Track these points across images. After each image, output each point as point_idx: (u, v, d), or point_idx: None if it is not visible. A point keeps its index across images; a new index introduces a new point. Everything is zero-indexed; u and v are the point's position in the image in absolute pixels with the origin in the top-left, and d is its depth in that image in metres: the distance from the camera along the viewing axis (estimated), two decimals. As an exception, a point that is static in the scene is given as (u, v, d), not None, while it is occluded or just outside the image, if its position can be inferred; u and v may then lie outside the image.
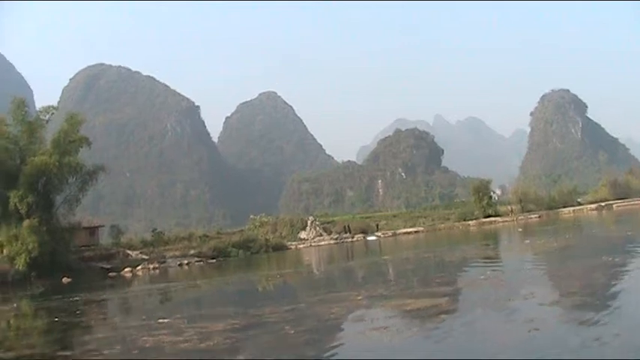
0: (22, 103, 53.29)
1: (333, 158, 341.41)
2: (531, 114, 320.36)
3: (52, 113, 54.61)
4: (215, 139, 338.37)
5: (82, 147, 54.17)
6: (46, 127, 53.70)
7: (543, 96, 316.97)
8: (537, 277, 18.40)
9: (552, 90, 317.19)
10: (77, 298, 29.75)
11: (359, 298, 16.63)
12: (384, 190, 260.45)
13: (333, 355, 10.15)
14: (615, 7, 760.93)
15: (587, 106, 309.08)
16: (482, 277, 18.81)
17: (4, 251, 46.78)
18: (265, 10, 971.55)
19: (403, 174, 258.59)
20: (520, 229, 54.49)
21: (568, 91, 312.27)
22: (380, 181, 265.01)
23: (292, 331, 12.48)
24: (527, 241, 34.95)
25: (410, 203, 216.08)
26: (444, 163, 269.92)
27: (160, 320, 16.01)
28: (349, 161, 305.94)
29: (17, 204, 47.16)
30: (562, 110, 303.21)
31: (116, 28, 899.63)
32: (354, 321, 13.48)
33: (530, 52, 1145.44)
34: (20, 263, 45.62)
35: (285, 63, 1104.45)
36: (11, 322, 22.96)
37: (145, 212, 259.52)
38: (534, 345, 9.04)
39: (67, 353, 12.89)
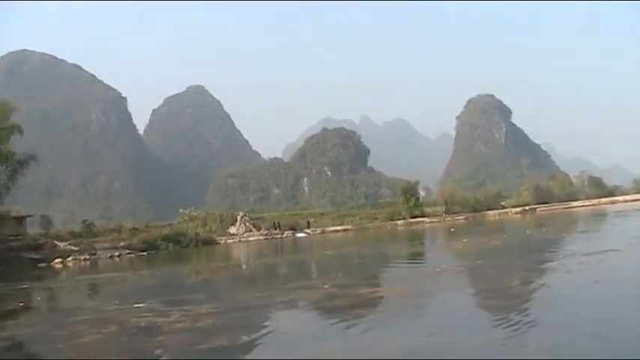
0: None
1: (259, 154, 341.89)
2: (457, 117, 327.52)
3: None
4: (141, 132, 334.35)
5: (13, 135, 53.53)
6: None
7: (469, 100, 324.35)
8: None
9: (478, 95, 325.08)
10: (24, 286, 29.80)
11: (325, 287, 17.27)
12: (309, 188, 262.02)
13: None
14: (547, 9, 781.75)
15: (511, 112, 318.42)
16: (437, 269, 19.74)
17: None
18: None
19: (329, 172, 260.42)
20: (452, 229, 56.08)
21: (493, 96, 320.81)
22: (306, 179, 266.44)
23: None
24: (465, 240, 36.31)
25: (335, 202, 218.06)
26: (370, 163, 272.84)
27: (136, 305, 16.43)
28: (275, 158, 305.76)
29: (-55, 191, 46.45)
30: (487, 115, 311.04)
31: (41, 14, 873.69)
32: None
33: (455, 54, 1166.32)
34: (-54, 251, 45.06)
35: (211, 54, 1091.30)
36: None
37: (67, 203, 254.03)
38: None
39: (64, 332, 13.12)
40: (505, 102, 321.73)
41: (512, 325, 8.90)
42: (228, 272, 31.19)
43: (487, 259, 22.24)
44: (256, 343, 9.72)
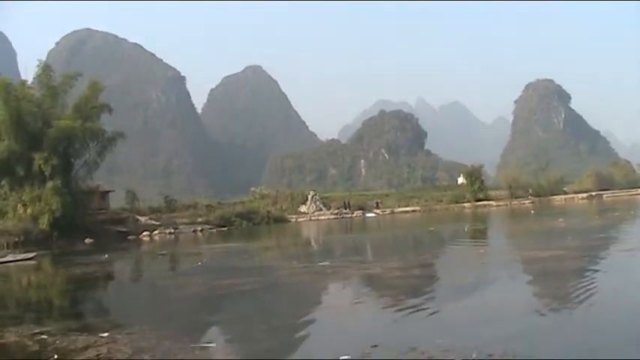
0: (48, 68, 54.70)
1: (316, 135, 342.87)
2: (515, 102, 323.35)
3: (77, 79, 55.80)
4: (199, 111, 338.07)
5: (103, 113, 55.64)
6: (68, 92, 54.79)
7: (528, 85, 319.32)
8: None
9: (537, 79, 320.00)
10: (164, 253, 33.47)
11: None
12: (366, 170, 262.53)
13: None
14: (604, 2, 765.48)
15: (570, 97, 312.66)
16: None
17: (28, 210, 48.19)
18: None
19: (386, 155, 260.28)
20: (532, 212, 56.66)
21: (552, 81, 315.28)
22: (363, 160, 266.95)
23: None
24: (561, 220, 37.29)
25: (392, 184, 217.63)
26: (426, 146, 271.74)
27: (320, 263, 19.80)
28: (333, 140, 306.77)
29: (42, 166, 48.27)
30: (546, 100, 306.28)
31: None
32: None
33: (516, 40, 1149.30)
34: (44, 223, 47.15)
35: (269, 38, 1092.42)
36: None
37: (127, 180, 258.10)
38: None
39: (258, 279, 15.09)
40: (564, 87, 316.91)
41: None
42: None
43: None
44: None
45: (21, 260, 29.28)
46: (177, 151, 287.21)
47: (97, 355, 8.55)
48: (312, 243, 37.04)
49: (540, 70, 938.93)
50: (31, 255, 30.59)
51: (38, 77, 53.51)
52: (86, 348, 8.95)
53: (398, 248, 28.49)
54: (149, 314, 12.63)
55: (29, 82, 54.92)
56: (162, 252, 34.30)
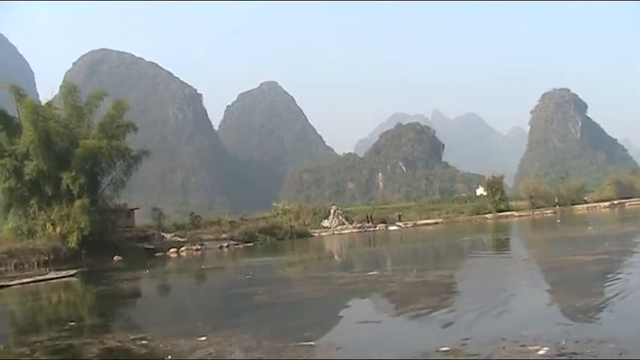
0: (74, 89, 55.58)
1: (332, 150, 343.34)
2: (532, 112, 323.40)
3: (102, 99, 56.59)
4: (216, 128, 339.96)
5: (128, 132, 56.34)
6: (94, 112, 55.55)
7: (544, 94, 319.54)
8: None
9: (553, 89, 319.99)
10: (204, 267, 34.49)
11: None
12: (384, 183, 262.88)
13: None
14: (620, 9, 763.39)
15: (587, 106, 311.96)
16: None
17: (57, 229, 48.75)
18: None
19: (404, 167, 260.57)
20: (558, 221, 56.76)
21: (568, 90, 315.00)
22: (380, 174, 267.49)
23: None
24: (590, 227, 37.67)
25: (410, 197, 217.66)
26: (443, 158, 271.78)
27: (369, 273, 20.56)
28: (350, 153, 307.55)
29: (70, 185, 48.76)
30: (562, 109, 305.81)
31: (120, 13, 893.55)
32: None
33: (530, 50, 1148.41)
34: (73, 241, 47.52)
35: (284, 54, 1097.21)
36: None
37: (146, 197, 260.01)
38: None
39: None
40: (580, 96, 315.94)
41: None
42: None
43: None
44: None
45: (63, 277, 29.76)
46: (194, 167, 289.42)
47: (209, 354, 8.95)
48: (346, 256, 37.36)
49: (556, 79, 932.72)
50: (72, 272, 31.12)
51: (64, 98, 54.28)
52: (193, 350, 9.33)
53: (438, 257, 29.19)
54: (235, 319, 12.94)
55: (48, 102, 55.69)
56: (203, 266, 34.82)
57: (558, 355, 7.17)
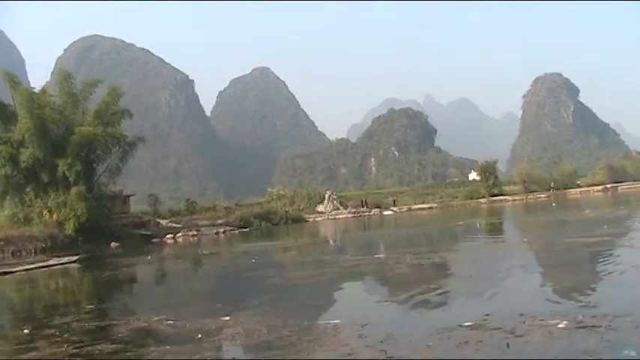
0: (69, 75, 55.48)
1: (325, 135, 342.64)
2: (524, 97, 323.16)
3: (97, 86, 56.49)
4: (208, 114, 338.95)
5: (123, 118, 56.35)
6: (89, 99, 55.45)
7: (536, 79, 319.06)
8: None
9: (545, 73, 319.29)
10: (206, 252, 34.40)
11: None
12: (376, 168, 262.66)
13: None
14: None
15: (579, 90, 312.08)
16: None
17: (53, 216, 48.78)
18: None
19: (396, 152, 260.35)
20: (554, 204, 57.13)
21: (560, 74, 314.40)
22: (373, 159, 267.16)
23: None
24: (588, 211, 38.04)
25: (403, 181, 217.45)
26: (435, 143, 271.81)
27: (376, 256, 21.11)
28: (342, 138, 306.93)
29: (66, 172, 48.76)
30: (554, 94, 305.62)
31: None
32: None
33: (522, 35, 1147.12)
34: (69, 228, 47.56)
35: (275, 39, 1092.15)
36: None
37: (139, 184, 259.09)
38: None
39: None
40: (572, 80, 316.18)
41: None
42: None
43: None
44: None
45: (65, 264, 29.88)
46: (187, 154, 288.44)
47: (237, 333, 9.20)
48: (345, 240, 37.61)
49: (548, 65, 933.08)
50: (74, 258, 31.32)
51: (59, 84, 54.12)
52: (220, 329, 9.63)
53: (440, 240, 29.65)
54: (252, 301, 13.13)
55: (42, 89, 55.61)
56: (203, 252, 34.89)
57: (578, 328, 7.40)
